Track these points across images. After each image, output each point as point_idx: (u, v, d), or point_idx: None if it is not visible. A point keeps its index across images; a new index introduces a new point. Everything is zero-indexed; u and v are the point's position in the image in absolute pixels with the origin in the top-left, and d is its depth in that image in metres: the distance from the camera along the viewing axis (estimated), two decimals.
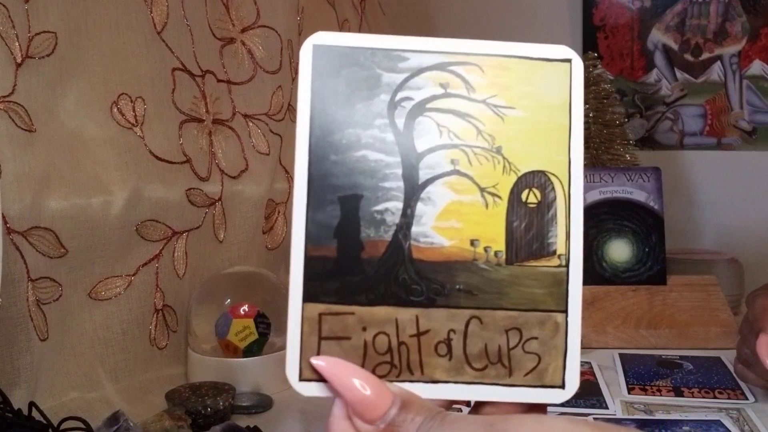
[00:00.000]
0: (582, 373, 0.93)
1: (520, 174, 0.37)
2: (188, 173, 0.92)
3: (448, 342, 0.36)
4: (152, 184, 0.87)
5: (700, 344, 1.05)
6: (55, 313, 0.78)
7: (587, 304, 1.08)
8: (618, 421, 0.79)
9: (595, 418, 0.77)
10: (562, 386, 0.36)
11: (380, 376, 0.35)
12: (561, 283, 0.37)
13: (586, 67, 1.36)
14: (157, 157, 0.88)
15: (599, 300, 1.10)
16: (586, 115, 1.30)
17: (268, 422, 0.78)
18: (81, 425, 0.67)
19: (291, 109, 1.09)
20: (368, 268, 0.36)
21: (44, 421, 0.66)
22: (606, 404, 0.84)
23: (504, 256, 0.37)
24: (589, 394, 0.87)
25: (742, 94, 1.51)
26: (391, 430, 0.33)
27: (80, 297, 0.81)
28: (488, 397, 0.36)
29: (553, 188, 0.37)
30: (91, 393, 0.81)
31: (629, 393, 0.87)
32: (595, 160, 1.33)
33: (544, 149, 0.37)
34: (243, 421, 0.76)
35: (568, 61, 0.38)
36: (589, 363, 0.97)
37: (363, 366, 0.35)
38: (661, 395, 0.86)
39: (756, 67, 1.49)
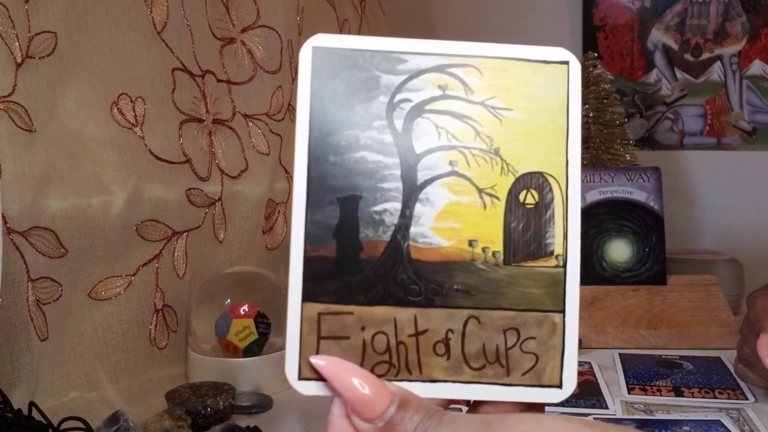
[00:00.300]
0: (582, 373, 0.93)
1: (518, 175, 0.37)
2: (188, 173, 0.92)
3: (446, 342, 0.36)
4: (152, 184, 0.87)
5: (700, 344, 1.05)
6: (55, 313, 0.78)
7: (587, 304, 1.08)
8: (618, 422, 0.80)
9: (594, 418, 0.77)
10: (560, 386, 0.36)
11: (379, 376, 0.36)
12: (558, 283, 0.37)
13: (586, 67, 1.36)
14: (157, 157, 0.88)
15: (599, 300, 1.10)
16: (586, 115, 1.31)
17: (268, 422, 0.78)
18: (81, 425, 0.68)
19: (291, 109, 1.09)
20: (367, 268, 0.36)
21: (44, 421, 0.66)
22: (606, 404, 0.84)
23: (502, 257, 0.37)
24: (589, 394, 0.87)
25: (742, 94, 1.51)
26: (390, 429, 0.33)
27: (80, 297, 0.81)
28: (486, 396, 0.36)
29: (550, 189, 0.38)
30: (91, 393, 0.81)
31: (629, 393, 0.87)
32: (595, 160, 1.33)
33: (542, 151, 0.38)
34: (243, 421, 0.76)
35: (566, 63, 0.38)
36: (589, 363, 0.97)
37: (362, 365, 0.36)
38: (661, 395, 0.86)
39: (756, 67, 1.50)
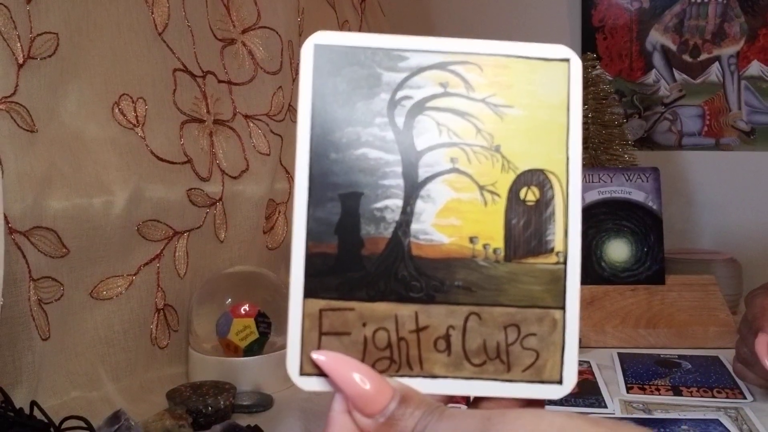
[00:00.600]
0: (581, 373, 0.93)
1: (518, 172, 0.38)
2: (189, 173, 0.92)
3: (447, 338, 0.36)
4: (153, 184, 0.87)
5: (699, 344, 1.05)
6: (56, 312, 0.78)
7: (586, 303, 1.08)
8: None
9: None
10: (560, 382, 0.37)
11: (380, 371, 0.36)
12: (559, 280, 0.37)
13: (585, 68, 1.36)
14: (158, 158, 0.88)
15: (598, 299, 1.10)
16: (585, 116, 1.31)
17: (268, 421, 0.78)
18: (82, 424, 0.68)
19: (291, 109, 1.09)
20: (368, 264, 0.36)
21: (46, 420, 0.66)
22: (605, 403, 0.84)
23: (502, 254, 0.37)
24: (588, 393, 0.87)
25: (741, 95, 1.51)
26: (391, 424, 0.34)
27: (82, 296, 0.81)
28: (487, 392, 0.37)
29: (551, 186, 0.38)
30: (93, 392, 0.81)
31: (628, 392, 0.87)
32: (594, 161, 1.33)
33: (543, 148, 0.38)
34: (244, 420, 0.76)
35: (567, 60, 0.38)
36: (588, 362, 0.97)
37: (363, 361, 0.36)
38: (659, 394, 0.86)
39: (754, 67, 1.50)
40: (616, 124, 1.35)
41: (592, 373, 0.94)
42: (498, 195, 0.37)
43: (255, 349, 0.88)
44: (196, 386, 0.80)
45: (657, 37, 1.54)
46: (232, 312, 0.89)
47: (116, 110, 0.84)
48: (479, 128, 0.37)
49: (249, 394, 0.84)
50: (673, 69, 1.54)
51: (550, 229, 0.37)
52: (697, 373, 0.93)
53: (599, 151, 1.33)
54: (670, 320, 1.08)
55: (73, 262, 0.79)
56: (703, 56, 1.53)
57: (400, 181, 0.37)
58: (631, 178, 1.16)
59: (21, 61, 0.74)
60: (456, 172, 0.37)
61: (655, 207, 1.15)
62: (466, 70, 0.38)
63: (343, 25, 1.26)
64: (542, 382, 0.37)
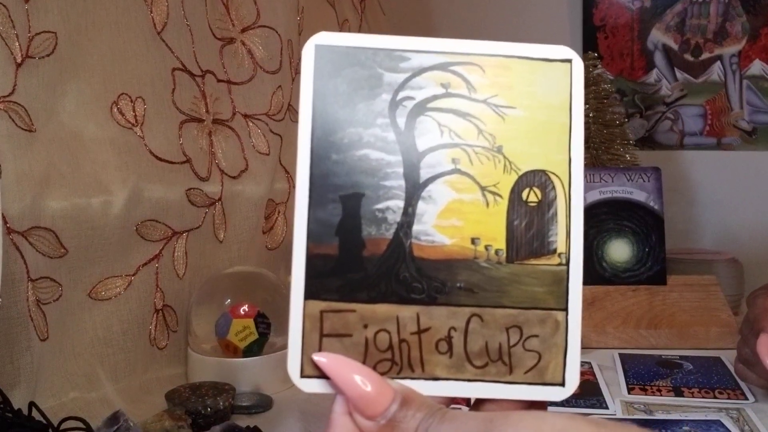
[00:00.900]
0: (582, 373, 0.93)
1: (520, 173, 0.37)
2: (188, 173, 0.92)
3: (448, 339, 0.36)
4: (152, 184, 0.87)
5: (700, 344, 1.05)
6: (55, 313, 0.78)
7: (587, 304, 1.08)
8: (618, 422, 0.79)
9: None
10: (563, 384, 0.36)
11: (381, 373, 0.36)
12: (561, 281, 0.37)
13: (586, 67, 1.35)
14: (157, 157, 0.88)
15: (599, 300, 1.10)
16: (586, 115, 1.30)
17: (268, 422, 0.78)
18: (81, 425, 0.67)
19: (291, 109, 1.09)
20: (369, 266, 0.36)
21: (44, 421, 0.66)
22: (606, 404, 0.84)
23: (504, 255, 0.37)
24: (589, 394, 0.87)
25: (742, 94, 1.51)
26: (392, 426, 0.33)
27: (80, 297, 0.81)
28: (489, 394, 0.36)
29: (553, 187, 0.37)
30: (91, 393, 0.81)
31: (629, 393, 0.87)
32: (595, 160, 1.33)
33: (545, 148, 0.37)
34: (243, 421, 0.76)
35: (569, 61, 0.38)
36: (589, 363, 0.97)
37: (364, 363, 0.36)
38: (661, 395, 0.86)
39: (756, 67, 1.50)
40: (618, 124, 1.35)
41: (593, 374, 0.93)
42: (500, 196, 0.37)
43: (254, 349, 0.88)
44: (195, 387, 0.80)
45: (658, 36, 1.54)
46: (232, 312, 0.89)
47: (115, 110, 0.84)
48: (481, 129, 0.37)
49: (248, 395, 0.84)
50: (675, 68, 1.54)
51: (552, 230, 0.37)
52: (698, 373, 0.93)
53: (600, 151, 1.33)
54: (671, 321, 1.08)
55: (72, 263, 0.79)
56: (705, 55, 1.52)
57: (402, 182, 0.37)
58: (632, 177, 1.16)
59: (19, 60, 0.74)
60: (458, 173, 0.37)
61: (656, 207, 1.14)
62: (468, 71, 0.37)
63: (342, 25, 1.25)
64: (544, 384, 0.36)
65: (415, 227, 0.37)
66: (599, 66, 1.38)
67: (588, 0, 1.57)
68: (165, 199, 0.88)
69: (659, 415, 0.80)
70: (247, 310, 0.89)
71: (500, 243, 0.37)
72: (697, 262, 1.26)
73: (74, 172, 0.79)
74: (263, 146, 1.03)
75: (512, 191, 0.37)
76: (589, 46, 1.55)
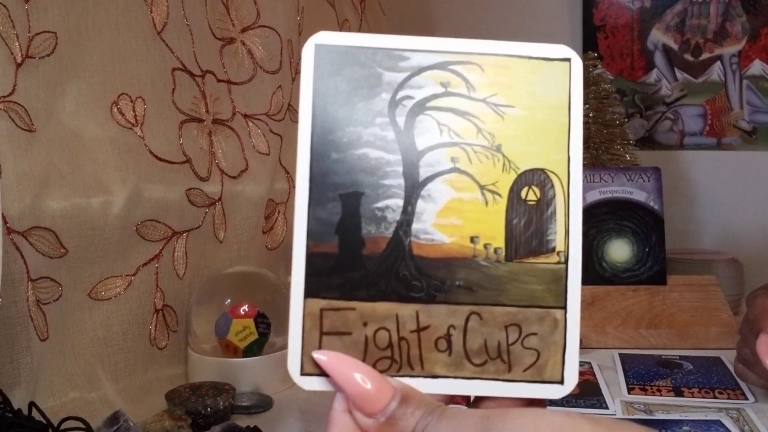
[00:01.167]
0: (582, 373, 0.93)
1: (519, 172, 0.37)
2: (188, 173, 0.92)
3: (448, 337, 0.36)
4: (152, 184, 0.87)
5: (700, 344, 1.05)
6: (55, 313, 0.78)
7: (587, 304, 1.08)
8: None
9: None
10: (561, 382, 0.37)
11: (381, 371, 0.36)
12: (560, 279, 0.37)
13: (586, 67, 1.36)
14: (157, 157, 0.88)
15: (599, 300, 1.10)
16: (586, 115, 1.31)
17: (268, 422, 0.78)
18: (81, 425, 0.67)
19: (291, 109, 1.09)
20: (369, 264, 0.36)
21: (44, 421, 0.66)
22: (606, 404, 0.84)
23: (503, 253, 0.37)
24: (589, 394, 0.87)
25: (742, 94, 1.51)
26: (391, 424, 0.34)
27: (80, 297, 0.81)
28: (488, 392, 0.36)
29: (552, 186, 0.38)
30: (91, 393, 0.81)
31: (629, 393, 0.87)
32: (596, 160, 1.33)
33: (544, 147, 0.38)
34: (243, 421, 0.76)
35: (568, 60, 0.38)
36: (589, 363, 0.97)
37: (364, 361, 0.36)
38: (661, 395, 0.86)
39: (756, 67, 1.50)
40: (618, 124, 1.35)
41: (593, 374, 0.93)
42: (499, 195, 0.37)
43: (254, 349, 0.88)
44: (195, 387, 0.80)
45: (658, 36, 1.54)
46: (232, 312, 0.89)
47: (115, 110, 0.84)
48: (480, 128, 0.37)
49: (248, 395, 0.84)
50: (675, 68, 1.54)
51: (551, 229, 0.37)
52: (698, 373, 0.93)
53: (600, 151, 1.33)
54: (671, 321, 1.08)
55: (72, 263, 0.79)
56: (705, 55, 1.52)
57: (401, 181, 0.37)
58: (632, 177, 1.16)
59: (19, 60, 0.74)
60: (457, 171, 0.37)
61: (656, 207, 1.15)
62: (467, 70, 0.38)
63: (342, 24, 1.26)
64: (543, 381, 0.37)
65: (415, 226, 0.37)
66: (599, 66, 1.38)
67: (588, 0, 1.57)
68: (165, 199, 0.88)
69: (659, 415, 0.80)
70: (247, 310, 0.89)
71: (499, 241, 0.37)
72: (697, 262, 1.26)
73: (74, 172, 0.79)
74: (263, 146, 1.04)
75: (511, 190, 0.37)
76: (589, 46, 1.55)
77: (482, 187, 0.37)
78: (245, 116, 1.02)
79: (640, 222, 1.14)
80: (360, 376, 0.34)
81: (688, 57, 1.53)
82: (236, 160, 1.00)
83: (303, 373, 0.36)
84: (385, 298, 0.36)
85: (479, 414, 0.33)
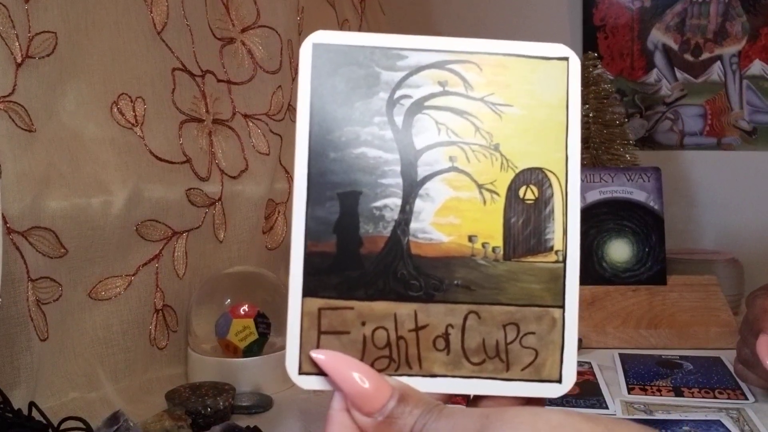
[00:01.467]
0: (582, 373, 0.93)
1: (517, 171, 0.37)
2: (188, 173, 0.92)
3: (446, 336, 0.36)
4: (152, 184, 0.87)
5: (700, 344, 1.05)
6: (55, 313, 0.78)
7: (587, 304, 1.08)
8: None
9: None
10: (559, 380, 0.37)
11: (379, 370, 0.36)
12: (558, 278, 0.37)
13: (586, 67, 1.36)
14: (157, 157, 0.88)
15: (599, 300, 1.10)
16: (586, 115, 1.31)
17: (268, 422, 0.78)
18: (81, 425, 0.68)
19: (291, 109, 1.09)
20: (367, 263, 0.36)
21: (44, 421, 0.66)
22: (606, 404, 0.84)
23: (502, 252, 0.37)
24: (589, 394, 0.87)
25: (742, 94, 1.51)
26: (390, 423, 0.34)
27: (80, 297, 0.81)
28: (486, 391, 0.36)
29: (550, 185, 0.38)
30: (91, 393, 0.81)
31: (629, 393, 0.87)
32: (595, 160, 1.33)
33: (542, 146, 0.38)
34: (243, 421, 0.76)
35: (566, 59, 0.38)
36: (589, 363, 0.97)
37: (362, 360, 0.36)
38: (661, 395, 0.86)
39: (756, 67, 1.50)
40: (618, 124, 1.35)
41: (593, 374, 0.93)
42: (497, 193, 0.37)
43: (254, 349, 0.88)
44: (195, 387, 0.80)
45: (658, 36, 1.54)
46: (232, 312, 0.89)
47: (115, 110, 0.84)
48: (478, 127, 0.37)
49: (248, 395, 0.84)
50: (675, 68, 1.54)
51: (549, 228, 0.37)
52: (698, 373, 0.93)
53: (600, 151, 1.33)
54: (671, 321, 1.08)
55: (72, 263, 0.79)
56: (705, 55, 1.52)
57: (399, 180, 0.37)
58: (632, 177, 1.16)
59: (19, 60, 0.74)
60: (455, 170, 0.37)
61: (656, 207, 1.15)
62: (465, 69, 0.38)
63: (342, 25, 1.26)
64: (541, 380, 0.37)
65: (413, 225, 0.37)
66: (599, 66, 1.38)
67: (588, 0, 1.57)
68: (165, 199, 0.88)
69: (659, 415, 0.80)
70: (247, 310, 0.89)
71: (497, 240, 0.37)
72: (697, 262, 1.26)
73: (74, 172, 0.79)
74: (263, 146, 1.04)
75: (509, 189, 0.37)
76: (589, 46, 1.55)
77: (480, 186, 0.37)
78: (245, 116, 1.02)
79: (640, 222, 1.14)
80: (358, 375, 0.34)
81: (688, 57, 1.53)
82: (236, 160, 1.00)
83: (301, 372, 0.36)
84: (383, 298, 0.36)
85: (477, 412, 0.33)
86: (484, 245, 0.37)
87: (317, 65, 0.37)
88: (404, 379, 0.36)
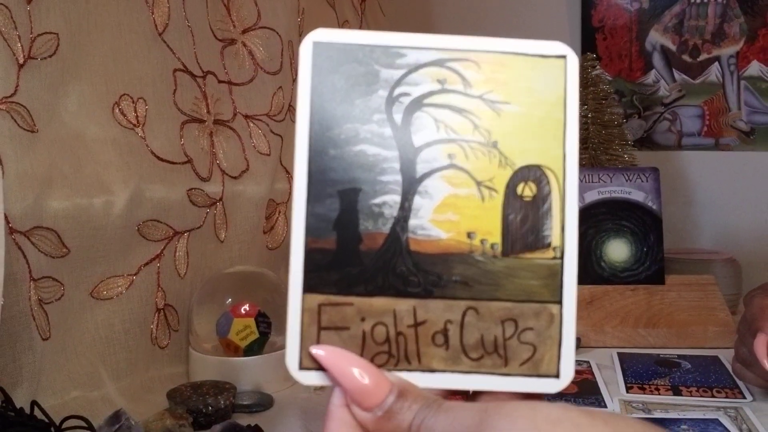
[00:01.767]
0: (581, 372, 0.94)
1: (515, 168, 0.38)
2: (189, 173, 0.93)
3: (445, 332, 0.37)
4: (154, 184, 0.87)
5: (699, 343, 1.06)
6: (57, 312, 0.78)
7: (586, 303, 1.08)
8: None
9: None
10: (557, 376, 0.37)
11: (378, 366, 0.36)
12: (556, 274, 0.37)
13: (585, 68, 1.37)
14: (158, 158, 0.88)
15: (598, 299, 1.10)
16: (584, 116, 1.31)
17: (268, 421, 0.78)
18: (83, 424, 0.68)
19: (292, 109, 1.09)
20: (367, 260, 0.37)
21: (46, 420, 0.67)
22: (604, 403, 0.84)
23: (500, 248, 0.37)
24: (587, 393, 0.87)
25: (740, 95, 1.51)
26: (389, 418, 0.34)
27: (82, 296, 0.81)
28: (484, 386, 0.37)
29: (548, 182, 0.38)
30: (93, 392, 0.81)
31: (628, 392, 0.88)
32: (594, 161, 1.33)
33: (540, 144, 0.38)
34: (244, 420, 0.76)
35: (564, 57, 0.38)
36: (588, 362, 0.98)
37: (361, 356, 0.36)
38: (659, 394, 0.86)
39: (754, 67, 1.50)
40: (616, 124, 1.35)
41: (592, 373, 0.94)
42: (495, 190, 0.37)
43: (255, 348, 0.89)
44: (196, 386, 0.80)
45: (657, 37, 1.55)
46: (233, 312, 0.89)
47: (116, 110, 0.84)
48: (476, 124, 0.38)
49: (249, 394, 0.85)
50: (673, 69, 1.55)
51: (547, 225, 0.38)
52: (696, 372, 0.93)
53: (599, 151, 1.33)
54: (669, 320, 1.08)
55: (74, 262, 0.79)
56: (703, 56, 1.53)
57: (398, 177, 0.37)
58: (630, 178, 1.16)
59: (21, 61, 0.75)
60: (453, 167, 0.37)
61: (654, 207, 1.15)
62: (464, 67, 0.38)
63: (343, 25, 1.26)
64: (539, 376, 0.37)
65: (412, 222, 0.37)
66: (598, 67, 1.38)
67: (587, 1, 1.57)
68: (166, 199, 0.89)
69: (657, 414, 0.80)
70: (248, 309, 0.89)
71: (495, 237, 0.37)
72: (695, 262, 1.26)
73: (76, 172, 0.80)
74: (264, 147, 1.04)
75: (507, 186, 0.38)
76: (587, 47, 1.56)
77: (479, 183, 0.37)
78: (246, 117, 1.02)
79: (639, 222, 1.14)
80: (358, 371, 0.35)
81: (686, 58, 1.54)
82: (237, 161, 1.00)
83: (301, 368, 0.36)
84: (382, 294, 0.37)
85: (476, 407, 0.33)
86: (482, 242, 0.37)
87: (317, 63, 0.37)
88: (403, 375, 0.36)
